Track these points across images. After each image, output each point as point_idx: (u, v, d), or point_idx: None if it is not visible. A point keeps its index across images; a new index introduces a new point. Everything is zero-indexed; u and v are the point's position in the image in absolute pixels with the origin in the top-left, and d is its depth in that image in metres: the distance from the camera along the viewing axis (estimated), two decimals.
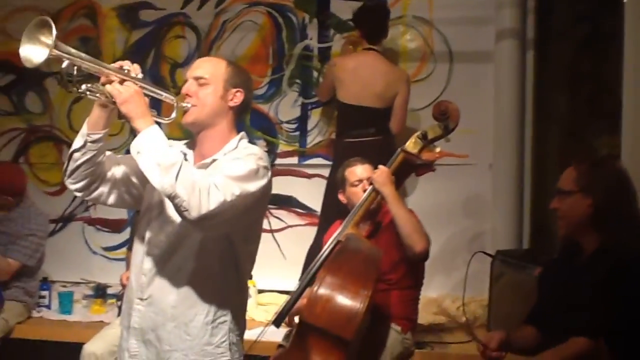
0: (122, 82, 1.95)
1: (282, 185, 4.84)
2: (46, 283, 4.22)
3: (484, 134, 4.53)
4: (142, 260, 2.14)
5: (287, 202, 4.86)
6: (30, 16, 4.81)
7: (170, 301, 2.09)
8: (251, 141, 2.25)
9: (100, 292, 4.30)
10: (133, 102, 1.94)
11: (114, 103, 1.94)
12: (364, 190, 3.20)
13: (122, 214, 4.92)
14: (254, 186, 2.01)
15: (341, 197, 3.37)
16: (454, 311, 4.06)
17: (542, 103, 4.55)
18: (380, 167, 3.19)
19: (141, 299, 2.12)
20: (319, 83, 4.64)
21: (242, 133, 2.23)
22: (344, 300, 2.56)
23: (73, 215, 5.11)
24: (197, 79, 2.15)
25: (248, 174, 2.00)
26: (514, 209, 4.42)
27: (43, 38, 1.81)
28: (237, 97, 2.18)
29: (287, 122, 4.88)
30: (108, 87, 1.94)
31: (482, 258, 4.02)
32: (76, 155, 2.06)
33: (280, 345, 3.15)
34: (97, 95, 1.97)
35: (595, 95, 4.22)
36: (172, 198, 1.88)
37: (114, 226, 5.04)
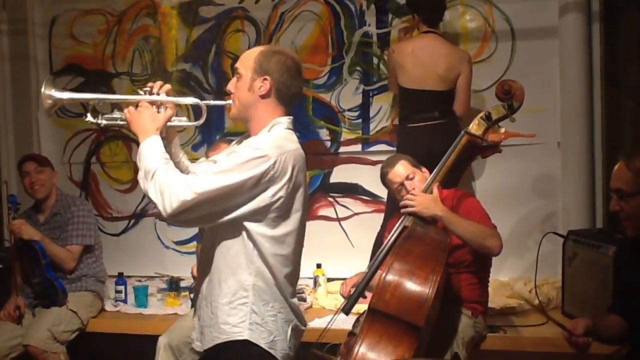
0: (137, 105, 2.14)
1: (347, 174, 4.86)
2: (122, 278, 4.33)
3: (551, 112, 4.43)
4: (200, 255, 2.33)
5: (353, 190, 4.86)
6: (96, 19, 5.07)
7: (204, 284, 2.25)
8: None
9: (173, 285, 4.41)
10: (135, 120, 2.13)
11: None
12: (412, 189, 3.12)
13: None
14: (235, 177, 2.03)
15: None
16: (526, 294, 3.99)
17: (611, 77, 4.40)
18: (414, 195, 3.04)
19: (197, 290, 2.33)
20: (386, 73, 4.49)
21: (274, 120, 2.17)
22: (413, 286, 2.56)
23: (145, 211, 5.23)
24: (236, 73, 2.21)
25: (230, 168, 2.04)
26: (585, 188, 4.31)
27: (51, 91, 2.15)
28: (264, 85, 2.15)
29: (349, 110, 4.86)
30: (125, 111, 2.16)
31: (553, 239, 3.96)
32: None
33: (350, 333, 3.16)
34: (118, 122, 2.20)
35: None
36: (151, 201, 2.05)
37: None
